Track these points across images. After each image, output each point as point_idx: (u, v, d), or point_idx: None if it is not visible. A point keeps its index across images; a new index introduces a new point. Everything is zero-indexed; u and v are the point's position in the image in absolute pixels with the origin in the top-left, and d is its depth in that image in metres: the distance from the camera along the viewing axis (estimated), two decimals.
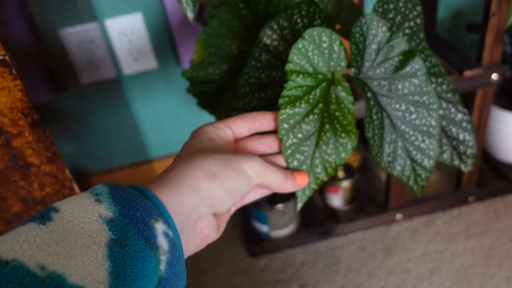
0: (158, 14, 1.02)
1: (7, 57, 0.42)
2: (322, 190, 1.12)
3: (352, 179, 1.04)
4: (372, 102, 0.46)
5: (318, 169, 0.44)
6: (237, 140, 0.43)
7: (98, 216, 0.28)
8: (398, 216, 1.04)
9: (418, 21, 0.52)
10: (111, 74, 1.04)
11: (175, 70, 1.10)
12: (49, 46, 0.65)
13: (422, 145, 0.49)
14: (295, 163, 0.44)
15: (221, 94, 0.58)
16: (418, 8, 0.51)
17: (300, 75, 0.42)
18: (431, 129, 0.48)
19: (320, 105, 0.44)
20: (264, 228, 1.00)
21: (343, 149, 0.43)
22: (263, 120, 0.43)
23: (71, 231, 0.27)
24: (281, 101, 0.42)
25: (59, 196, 0.55)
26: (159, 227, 0.30)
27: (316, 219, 1.05)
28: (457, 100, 0.53)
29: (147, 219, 0.29)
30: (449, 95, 0.53)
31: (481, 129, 0.94)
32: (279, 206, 0.96)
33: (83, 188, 0.57)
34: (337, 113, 0.43)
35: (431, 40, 0.99)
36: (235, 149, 0.43)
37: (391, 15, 0.49)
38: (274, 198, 0.98)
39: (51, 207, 0.28)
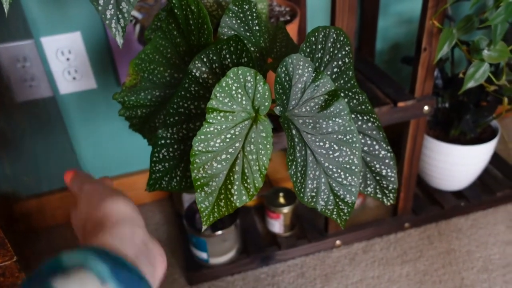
0: (98, 33, 0.99)
1: None
2: (263, 215, 1.11)
3: (293, 205, 1.04)
4: (296, 140, 0.47)
5: (222, 203, 0.45)
6: None
7: None
8: (338, 242, 1.05)
9: (347, 60, 0.53)
10: (46, 93, 1.00)
11: (115, 91, 1.06)
12: None
13: (345, 181, 0.49)
14: (202, 194, 0.45)
15: (153, 120, 0.56)
16: (347, 48, 0.52)
17: (222, 113, 0.42)
18: (353, 167, 0.49)
19: (237, 144, 0.44)
20: (203, 255, 0.98)
21: (245, 193, 0.45)
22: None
23: None
24: (196, 139, 0.42)
25: None
26: None
27: (257, 245, 1.04)
28: (381, 137, 0.54)
29: None
30: (374, 132, 0.54)
31: (415, 157, 0.98)
32: (219, 232, 0.94)
33: (4, 219, 0.53)
34: (250, 156, 0.44)
35: (370, 71, 1.02)
36: None
37: (319, 55, 0.50)
38: (214, 224, 0.96)
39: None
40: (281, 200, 1.05)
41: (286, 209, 1.03)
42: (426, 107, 0.90)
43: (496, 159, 1.22)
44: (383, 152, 0.54)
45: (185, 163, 0.50)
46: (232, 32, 0.51)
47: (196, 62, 0.47)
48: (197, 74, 0.47)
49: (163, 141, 0.49)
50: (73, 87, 1.04)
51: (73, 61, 1.00)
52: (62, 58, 1.00)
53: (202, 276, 1.00)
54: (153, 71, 0.54)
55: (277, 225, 1.05)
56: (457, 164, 1.07)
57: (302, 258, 1.04)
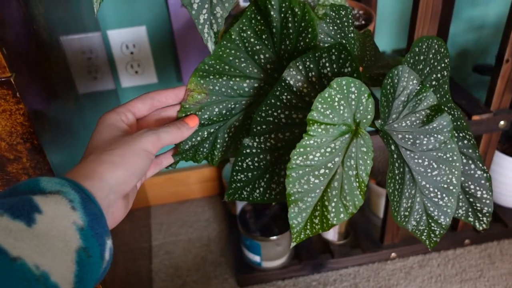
0: (163, 28, 0.98)
1: (12, 79, 0.39)
2: None
3: None
4: (395, 156, 0.44)
5: (316, 220, 0.43)
6: (140, 119, 0.46)
7: (73, 222, 0.32)
8: (393, 254, 1.02)
9: (445, 73, 0.50)
10: (109, 86, 1.01)
11: (175, 86, 1.06)
12: (47, 51, 0.61)
13: (440, 202, 0.47)
14: (296, 209, 0.42)
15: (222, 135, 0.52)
16: (447, 60, 0.49)
17: (322, 126, 0.40)
18: (451, 187, 0.46)
19: (337, 159, 0.41)
20: (256, 258, 0.96)
21: (343, 211, 0.42)
22: (161, 98, 0.46)
23: (50, 234, 0.30)
24: (294, 152, 0.40)
25: None
26: (109, 243, 0.35)
27: (310, 252, 1.02)
28: (477, 156, 0.51)
29: (105, 236, 0.34)
30: (470, 150, 0.51)
31: None
32: (273, 237, 0.93)
33: None
34: (350, 172, 0.41)
35: None
36: (140, 127, 0.46)
37: (420, 66, 0.47)
38: (269, 229, 0.94)
39: (33, 205, 0.31)
40: None
41: None
42: (502, 122, 0.85)
43: None
44: (478, 172, 0.51)
45: (270, 174, 0.48)
46: (329, 39, 0.49)
47: (291, 69, 0.45)
48: (291, 82, 0.45)
49: (248, 150, 0.48)
50: (134, 81, 1.04)
51: (137, 55, 1.01)
52: (127, 51, 1.00)
53: (253, 278, 0.98)
54: (227, 82, 0.49)
55: (331, 233, 1.03)
56: None
57: (355, 268, 1.02)
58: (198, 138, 0.50)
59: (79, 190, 0.34)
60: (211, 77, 0.48)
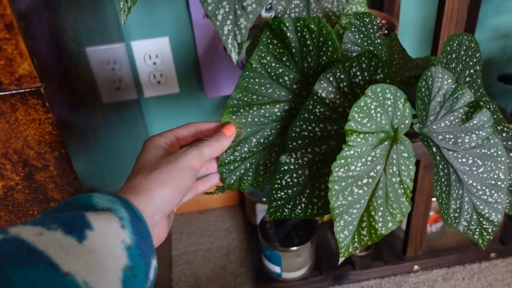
0: (186, 39, 1.00)
1: (42, 89, 0.39)
2: None
3: None
4: (438, 158, 0.43)
5: (364, 232, 0.42)
6: (183, 146, 0.47)
7: (121, 241, 0.32)
8: (416, 267, 1.00)
9: (478, 67, 0.49)
10: (132, 95, 1.02)
11: (197, 97, 1.07)
12: (75, 61, 0.63)
13: (490, 199, 0.46)
14: (342, 223, 0.42)
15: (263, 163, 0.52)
16: (478, 54, 0.49)
17: (361, 135, 0.40)
18: (499, 183, 0.45)
19: (378, 167, 0.41)
20: (276, 268, 0.96)
21: (391, 219, 0.41)
22: (203, 128, 0.48)
23: (99, 251, 0.30)
24: (335, 164, 0.39)
25: None
26: (154, 263, 0.35)
27: (330, 263, 1.00)
28: None
29: (151, 256, 0.35)
30: (510, 143, 0.50)
31: None
32: (294, 248, 0.92)
33: None
34: (394, 179, 0.41)
35: None
36: None
37: (453, 65, 0.47)
38: (289, 240, 0.94)
39: (85, 221, 0.31)
40: None
41: None
42: None
43: None
44: None
45: (310, 189, 0.47)
46: (356, 47, 0.48)
47: (322, 82, 0.44)
48: (323, 95, 0.45)
49: (286, 167, 0.47)
50: (157, 91, 1.05)
51: (159, 65, 1.02)
52: (150, 62, 1.01)
53: None
54: (259, 111, 0.49)
55: None
56: None
57: (377, 280, 1.00)
58: (242, 171, 0.50)
59: (128, 208, 0.34)
60: (241, 110, 0.49)
